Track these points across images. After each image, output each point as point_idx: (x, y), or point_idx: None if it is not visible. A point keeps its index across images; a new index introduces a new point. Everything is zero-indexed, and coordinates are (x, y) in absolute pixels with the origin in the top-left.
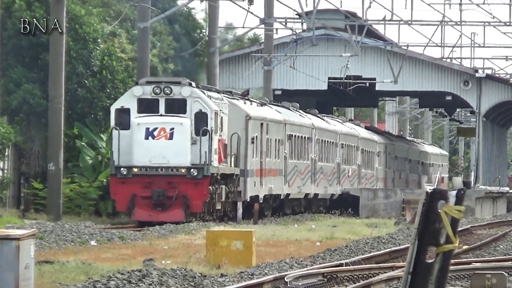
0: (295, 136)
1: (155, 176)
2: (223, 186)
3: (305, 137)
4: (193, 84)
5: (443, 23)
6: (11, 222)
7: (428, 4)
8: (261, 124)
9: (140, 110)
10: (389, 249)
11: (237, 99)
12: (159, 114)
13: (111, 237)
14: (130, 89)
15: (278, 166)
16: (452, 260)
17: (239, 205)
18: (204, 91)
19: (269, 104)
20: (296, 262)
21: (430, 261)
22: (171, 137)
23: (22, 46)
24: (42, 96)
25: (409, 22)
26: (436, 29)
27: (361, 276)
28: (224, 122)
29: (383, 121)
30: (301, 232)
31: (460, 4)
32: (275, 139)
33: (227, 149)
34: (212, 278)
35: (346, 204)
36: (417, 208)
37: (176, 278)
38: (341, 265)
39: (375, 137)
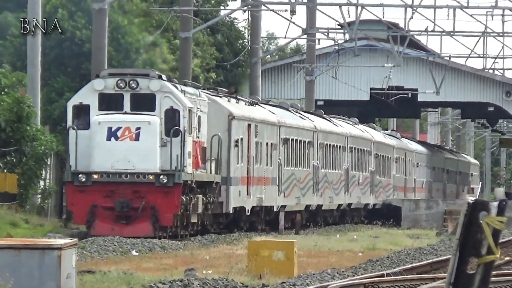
0: (292, 140)
1: (118, 183)
2: (200, 196)
3: (305, 141)
4: (164, 77)
5: (485, 34)
6: (53, 231)
7: (471, 15)
8: (249, 125)
9: (102, 107)
10: (431, 260)
11: (220, 96)
12: (124, 111)
13: (152, 247)
14: (90, 83)
15: (270, 174)
16: (493, 271)
17: (281, 215)
18: (177, 85)
19: (262, 103)
20: (337, 273)
21: (471, 272)
22: (137, 138)
23: (64, 56)
24: None
25: (451, 33)
26: (479, 40)
27: (402, 286)
28: (203, 122)
29: (425, 132)
30: (343, 242)
31: (503, 15)
32: (267, 143)
33: (206, 153)
34: None
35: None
36: (458, 219)
37: None
38: (382, 275)
39: (393, 142)
